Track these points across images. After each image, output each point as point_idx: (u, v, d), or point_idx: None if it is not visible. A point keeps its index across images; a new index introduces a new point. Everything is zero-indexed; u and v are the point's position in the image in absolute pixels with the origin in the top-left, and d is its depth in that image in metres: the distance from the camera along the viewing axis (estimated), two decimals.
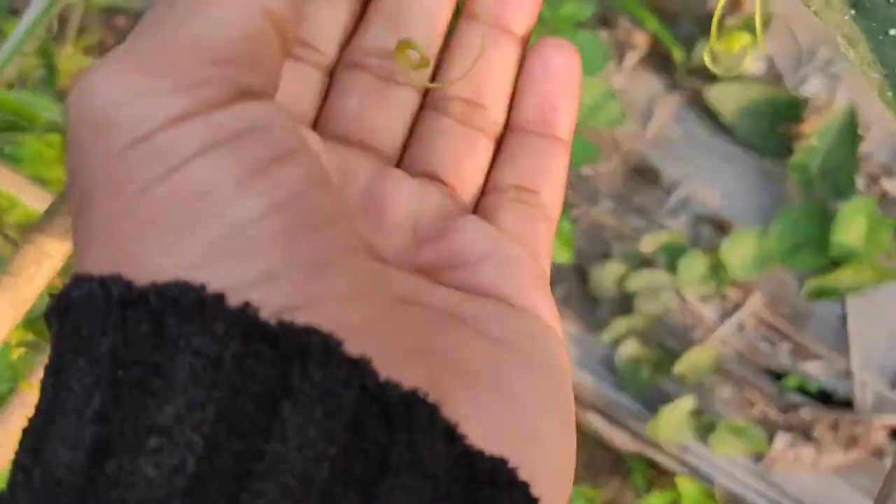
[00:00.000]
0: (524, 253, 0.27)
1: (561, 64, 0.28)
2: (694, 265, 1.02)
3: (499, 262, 0.26)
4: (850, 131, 0.98)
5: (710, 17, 1.09)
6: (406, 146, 0.28)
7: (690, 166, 1.08)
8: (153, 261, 0.17)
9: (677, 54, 1.05)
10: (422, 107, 0.29)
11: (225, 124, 0.18)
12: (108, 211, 0.18)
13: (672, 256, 1.04)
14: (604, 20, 1.10)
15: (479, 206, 0.28)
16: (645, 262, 1.05)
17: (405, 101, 0.28)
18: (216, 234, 0.17)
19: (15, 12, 1.18)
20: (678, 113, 1.09)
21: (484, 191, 0.28)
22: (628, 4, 1.03)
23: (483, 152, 0.28)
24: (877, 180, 1.03)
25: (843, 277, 0.98)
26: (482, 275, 0.25)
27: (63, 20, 1.36)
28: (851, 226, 0.96)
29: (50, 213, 0.30)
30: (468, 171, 0.28)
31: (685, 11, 1.09)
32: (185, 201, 0.17)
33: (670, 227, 1.07)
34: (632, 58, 1.10)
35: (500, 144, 0.29)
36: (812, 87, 1.05)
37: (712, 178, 1.07)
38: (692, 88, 1.08)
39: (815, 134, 0.99)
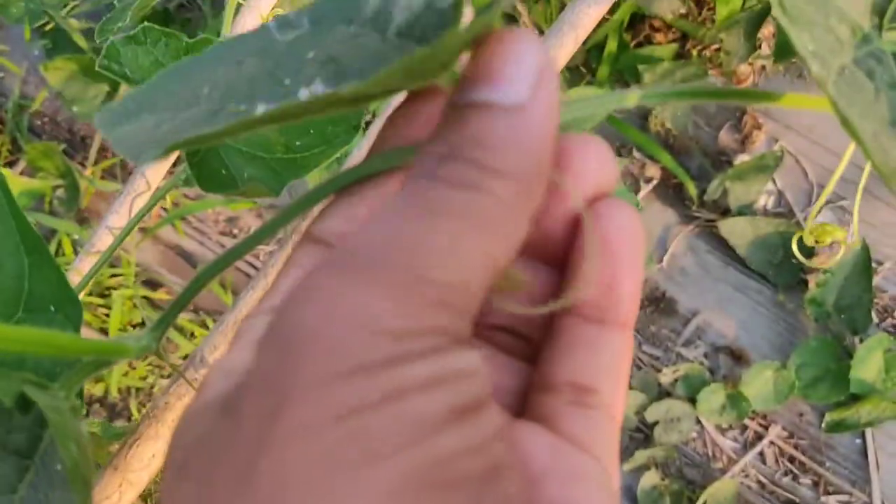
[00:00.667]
0: (591, 464, 0.24)
1: (626, 234, 0.24)
2: (714, 397, 1.03)
3: (564, 478, 0.23)
4: (865, 267, 1.01)
5: (720, 152, 1.12)
6: None
7: (706, 297, 1.10)
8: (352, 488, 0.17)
9: (691, 188, 1.08)
10: None
11: (444, 368, 0.18)
12: (302, 436, 0.17)
13: (691, 387, 1.04)
14: (618, 152, 1.13)
15: (531, 407, 0.25)
16: (664, 393, 1.06)
17: None
18: (422, 463, 0.18)
19: (84, 221, 1.21)
20: (692, 244, 1.11)
21: (534, 385, 0.25)
22: (642, 140, 1.07)
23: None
24: (891, 313, 1.05)
25: (862, 412, 0.99)
26: (547, 493, 0.23)
27: (85, 141, 1.39)
28: (869, 363, 0.98)
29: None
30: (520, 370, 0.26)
31: (697, 146, 1.13)
32: (398, 428, 0.17)
33: (687, 356, 1.08)
34: (646, 189, 1.13)
35: (549, 328, 0.26)
36: (821, 219, 1.08)
37: (728, 309, 1.09)
38: (706, 220, 1.11)
39: (829, 269, 1.02)
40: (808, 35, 0.25)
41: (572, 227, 0.25)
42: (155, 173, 0.45)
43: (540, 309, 0.25)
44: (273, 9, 0.49)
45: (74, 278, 0.42)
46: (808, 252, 1.07)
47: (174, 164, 0.73)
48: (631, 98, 0.27)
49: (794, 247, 0.60)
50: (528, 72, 0.20)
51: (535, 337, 0.27)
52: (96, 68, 0.40)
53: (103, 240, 0.44)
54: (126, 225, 0.43)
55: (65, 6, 1.36)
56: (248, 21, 0.48)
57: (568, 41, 0.44)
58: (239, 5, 0.48)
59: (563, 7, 1.05)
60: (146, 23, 0.40)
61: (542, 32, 1.03)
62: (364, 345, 0.18)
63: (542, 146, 0.20)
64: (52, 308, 0.34)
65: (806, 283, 1.07)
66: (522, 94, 0.19)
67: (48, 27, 1.33)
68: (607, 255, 0.24)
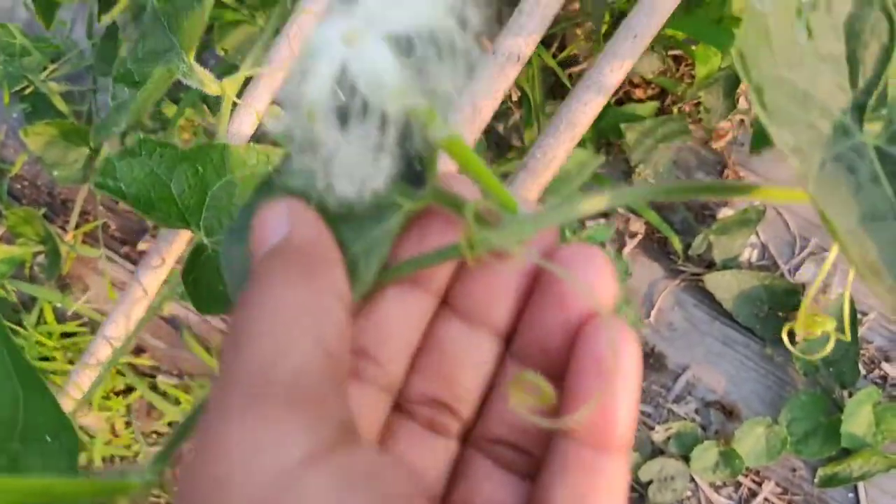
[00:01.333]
0: None
1: (620, 356, 0.25)
2: (707, 454, 1.02)
3: None
4: (850, 320, 1.01)
5: (703, 206, 1.13)
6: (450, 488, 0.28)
7: (694, 351, 1.10)
8: None
9: (676, 243, 1.09)
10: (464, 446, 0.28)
11: (340, 473, 0.20)
12: None
13: (684, 445, 1.04)
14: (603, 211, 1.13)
15: None
16: (657, 451, 1.05)
17: (449, 450, 0.28)
18: None
19: (65, 287, 1.20)
20: (679, 298, 1.12)
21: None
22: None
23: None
24: (878, 364, 1.06)
25: (854, 466, 0.99)
26: None
27: (66, 205, 1.37)
28: (859, 417, 0.98)
29: None
30: None
31: (680, 202, 1.13)
32: None
33: (679, 412, 1.07)
34: (631, 245, 1.13)
35: (548, 447, 0.26)
36: (807, 274, 1.09)
37: (717, 363, 1.09)
38: (691, 274, 1.12)
39: (814, 357, 1.02)
40: (788, 131, 0.26)
41: (570, 340, 0.26)
42: (151, 280, 0.44)
43: (543, 422, 0.25)
44: (269, 105, 0.49)
45: (73, 391, 0.41)
46: (794, 304, 1.08)
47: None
48: (616, 199, 0.28)
49: (785, 338, 0.61)
50: (283, 219, 0.25)
51: (536, 452, 0.27)
52: (93, 186, 0.40)
53: (101, 350, 0.43)
54: (125, 340, 0.42)
55: (44, 69, 1.36)
56: (245, 121, 0.48)
57: (565, 139, 0.44)
58: (234, 105, 0.48)
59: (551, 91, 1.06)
60: (142, 134, 0.40)
61: (523, 101, 1.04)
62: (270, 465, 0.20)
63: (305, 252, 0.25)
64: (48, 437, 0.34)
65: (792, 335, 1.08)
66: (284, 229, 0.25)
67: (27, 91, 1.32)
68: (601, 377, 0.24)
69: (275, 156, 0.44)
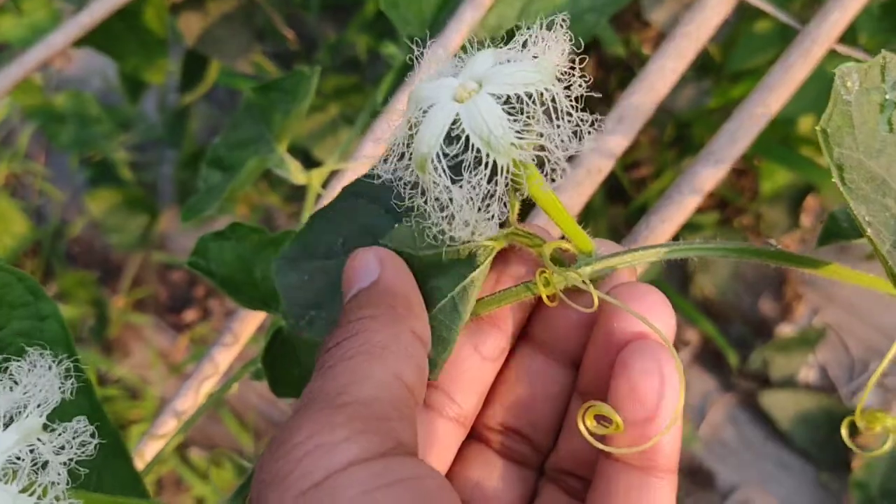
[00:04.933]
0: None
1: (661, 382, 0.26)
2: None
3: None
4: None
5: (762, 321, 1.11)
6: None
7: (746, 472, 1.06)
8: None
9: (731, 357, 1.06)
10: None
11: (384, 473, 0.22)
12: None
13: None
14: None
15: None
16: None
17: (524, 479, 0.30)
18: None
19: (109, 350, 1.21)
20: (732, 414, 1.08)
21: None
22: (682, 305, 1.06)
23: None
24: None
25: None
26: None
27: (118, 270, 1.39)
28: None
29: None
30: None
31: (737, 315, 1.11)
32: None
33: None
34: (684, 354, 1.11)
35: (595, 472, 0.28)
36: (866, 399, 1.05)
37: (769, 486, 1.05)
38: (746, 391, 1.08)
39: (874, 453, 0.98)
40: (864, 208, 0.27)
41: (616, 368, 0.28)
42: (224, 358, 0.44)
43: (613, 450, 0.26)
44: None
45: (138, 463, 0.40)
46: (853, 430, 1.04)
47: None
48: (682, 250, 0.30)
49: (844, 432, 0.58)
50: (373, 265, 0.27)
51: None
52: (186, 265, 0.40)
53: (167, 424, 0.42)
54: (194, 413, 0.41)
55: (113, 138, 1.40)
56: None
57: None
58: (318, 196, 0.48)
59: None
60: (236, 222, 0.40)
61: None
62: (317, 463, 0.22)
63: (391, 296, 0.27)
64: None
65: (849, 463, 1.04)
66: (374, 275, 0.27)
67: (94, 157, 1.36)
68: (642, 402, 0.26)
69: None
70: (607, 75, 1.16)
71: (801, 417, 1.04)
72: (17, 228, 1.19)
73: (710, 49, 1.01)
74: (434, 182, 0.25)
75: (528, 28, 0.25)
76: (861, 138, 0.28)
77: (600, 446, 0.26)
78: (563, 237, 0.28)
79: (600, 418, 0.26)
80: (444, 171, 0.25)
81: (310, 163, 0.72)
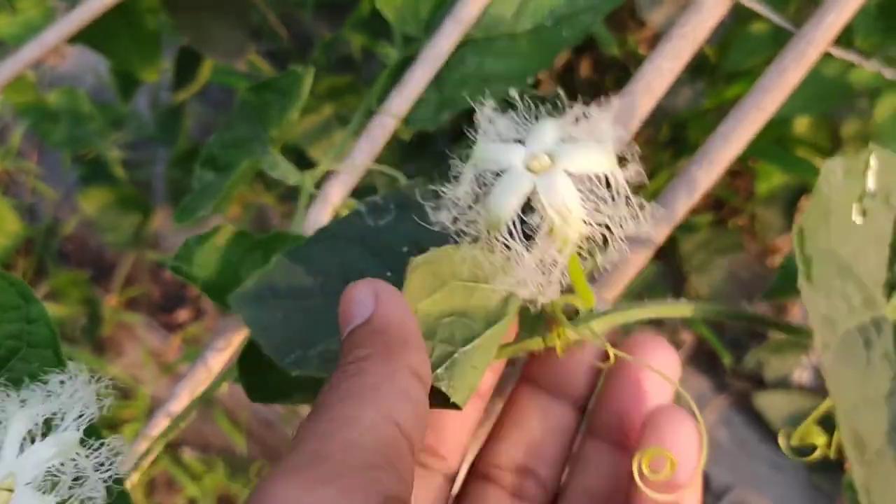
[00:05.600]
0: None
1: (687, 446, 0.29)
2: None
3: None
4: None
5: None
6: None
7: (739, 473, 1.06)
8: None
9: (726, 358, 1.06)
10: None
11: None
12: None
13: None
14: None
15: None
16: None
17: None
18: None
19: (101, 350, 1.21)
20: (726, 415, 1.08)
21: None
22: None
23: None
24: None
25: None
26: None
27: (111, 268, 1.39)
28: None
29: None
30: None
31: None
32: None
33: None
34: (678, 355, 1.11)
35: None
36: None
37: (762, 488, 1.05)
38: (740, 392, 1.08)
39: None
40: (824, 300, 0.28)
41: (639, 414, 0.31)
42: (216, 362, 0.44)
43: (667, 498, 0.29)
44: (345, 199, 0.49)
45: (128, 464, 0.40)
46: None
47: None
48: (683, 309, 0.33)
49: (838, 433, 0.58)
50: (368, 300, 0.27)
51: None
52: (168, 267, 0.39)
53: (160, 425, 0.42)
54: (181, 412, 0.41)
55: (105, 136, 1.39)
56: (320, 212, 0.47)
57: (636, 261, 0.44)
58: (311, 196, 0.48)
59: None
60: (227, 225, 0.40)
61: None
62: None
63: (386, 332, 0.26)
64: None
65: (842, 465, 1.04)
66: (369, 311, 0.26)
67: (87, 155, 1.35)
68: (668, 465, 0.28)
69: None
70: (602, 76, 1.16)
71: (796, 419, 1.04)
72: (9, 227, 1.19)
73: (706, 50, 1.01)
74: (504, 243, 0.27)
75: (483, 104, 0.28)
76: (835, 228, 0.29)
77: (656, 496, 0.28)
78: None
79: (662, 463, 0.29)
80: (518, 234, 0.27)
81: (304, 163, 0.71)
